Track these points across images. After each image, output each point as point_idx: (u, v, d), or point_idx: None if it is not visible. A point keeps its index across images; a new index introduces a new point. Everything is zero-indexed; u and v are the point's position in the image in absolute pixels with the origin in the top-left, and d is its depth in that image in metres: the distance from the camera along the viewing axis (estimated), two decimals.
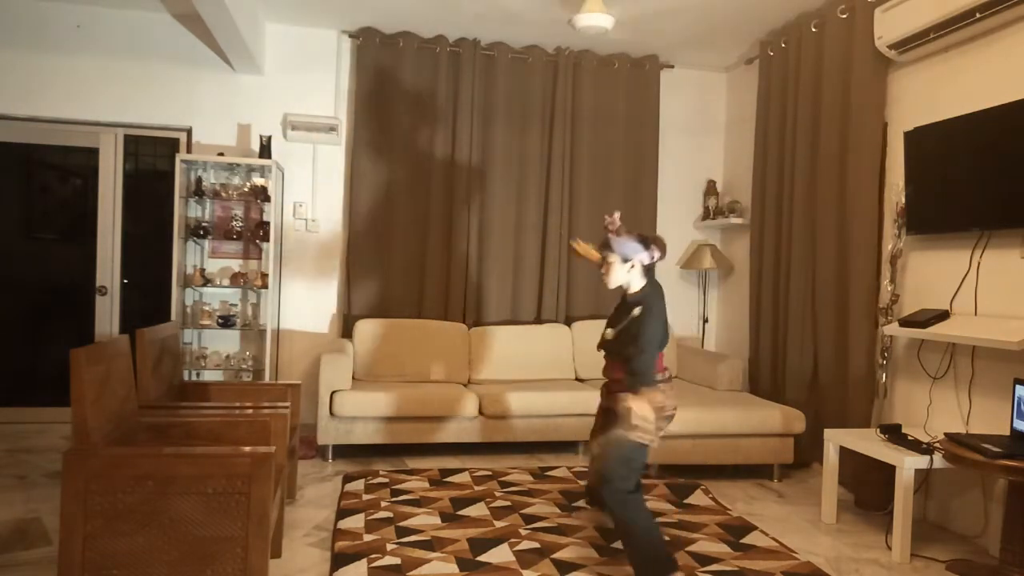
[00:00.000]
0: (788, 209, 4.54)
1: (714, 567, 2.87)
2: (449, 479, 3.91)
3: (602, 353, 2.93)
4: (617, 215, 2.91)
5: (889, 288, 3.74)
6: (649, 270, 2.80)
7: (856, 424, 3.87)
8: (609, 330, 2.86)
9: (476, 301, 5.16)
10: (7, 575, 2.61)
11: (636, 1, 4.31)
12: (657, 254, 2.77)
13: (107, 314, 4.95)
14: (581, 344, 5.03)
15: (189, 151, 4.91)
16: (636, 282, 2.78)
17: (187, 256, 4.87)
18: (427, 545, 2.98)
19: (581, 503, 3.60)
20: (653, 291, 2.77)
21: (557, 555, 2.94)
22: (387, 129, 5.01)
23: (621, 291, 2.84)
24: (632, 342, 2.68)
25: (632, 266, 2.75)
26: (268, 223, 4.77)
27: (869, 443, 3.26)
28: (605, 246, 2.83)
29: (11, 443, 4.36)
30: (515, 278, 5.21)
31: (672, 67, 5.50)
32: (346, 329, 4.97)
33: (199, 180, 4.73)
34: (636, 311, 2.71)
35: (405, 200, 5.04)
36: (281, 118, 5.01)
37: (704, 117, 5.67)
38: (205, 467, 2.17)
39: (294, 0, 4.54)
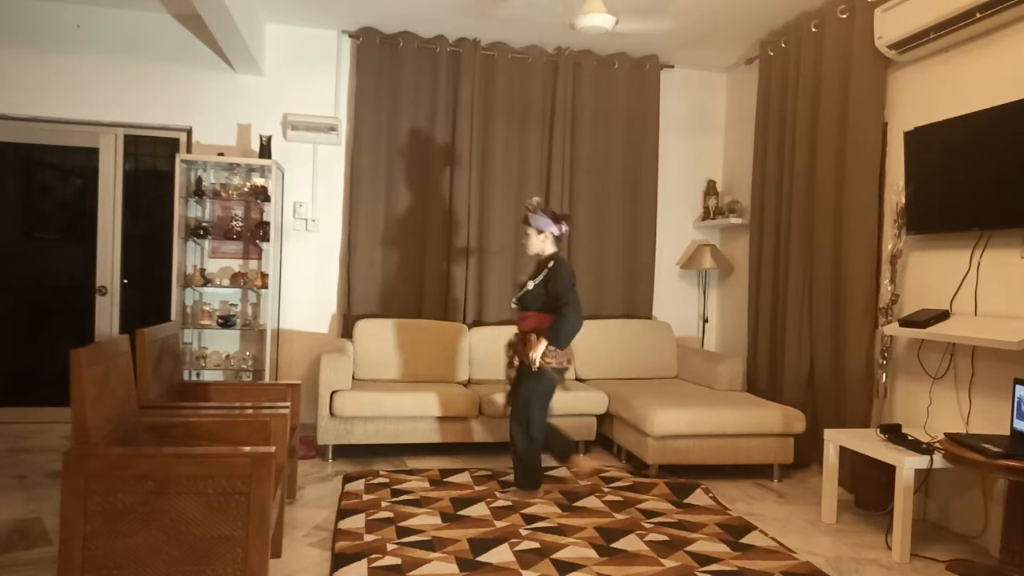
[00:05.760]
0: (787, 209, 4.54)
1: (713, 567, 2.87)
2: (449, 479, 3.91)
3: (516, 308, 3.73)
4: (536, 199, 3.70)
5: (889, 288, 3.74)
6: (558, 241, 3.67)
7: (855, 424, 3.87)
8: (530, 282, 3.65)
9: (476, 301, 5.16)
10: (7, 575, 2.61)
11: (636, 1, 4.31)
12: (565, 228, 3.65)
13: (107, 314, 4.95)
14: (581, 344, 5.01)
15: (189, 151, 4.91)
16: (548, 249, 3.66)
17: (187, 256, 4.87)
18: (427, 545, 2.98)
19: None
20: (561, 258, 3.63)
21: (557, 555, 2.94)
22: (387, 129, 5.01)
23: (538, 258, 3.70)
24: (553, 297, 3.50)
25: (544, 236, 3.63)
26: (268, 223, 4.77)
27: (869, 443, 3.26)
28: (525, 221, 3.67)
29: (11, 443, 4.36)
30: (515, 278, 5.21)
31: (672, 67, 5.50)
32: (346, 329, 4.97)
33: (199, 180, 4.73)
34: (550, 264, 3.58)
35: (405, 200, 5.05)
36: (281, 118, 5.01)
37: (704, 117, 5.67)
38: (205, 467, 2.17)
39: (294, 0, 4.54)
